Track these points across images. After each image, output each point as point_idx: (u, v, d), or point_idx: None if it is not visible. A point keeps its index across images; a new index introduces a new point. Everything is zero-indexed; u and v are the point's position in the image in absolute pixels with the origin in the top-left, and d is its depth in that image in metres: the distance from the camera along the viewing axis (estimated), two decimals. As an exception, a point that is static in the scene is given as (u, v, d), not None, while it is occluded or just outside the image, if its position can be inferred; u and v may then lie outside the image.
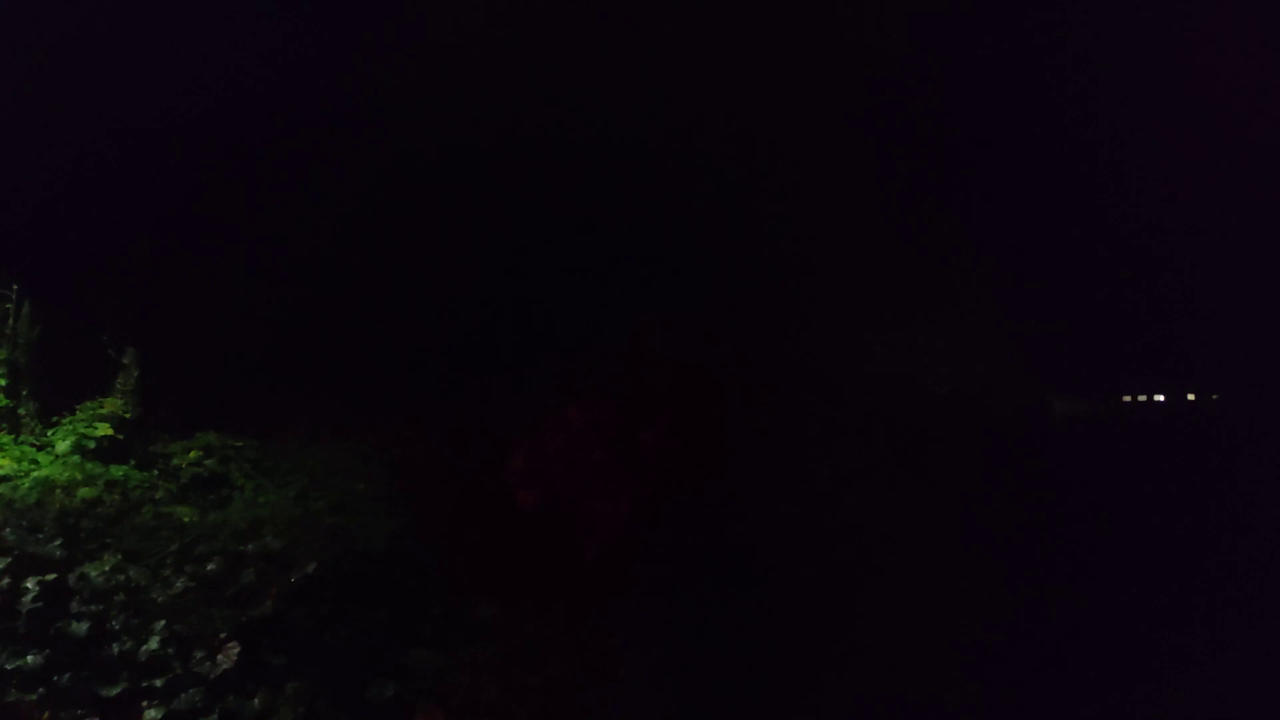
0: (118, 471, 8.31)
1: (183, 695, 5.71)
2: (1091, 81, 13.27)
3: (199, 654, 5.94)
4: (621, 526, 8.87)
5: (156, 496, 8.21)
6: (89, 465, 8.25)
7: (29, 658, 5.70)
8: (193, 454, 9.24)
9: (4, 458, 8.15)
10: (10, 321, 9.03)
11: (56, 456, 8.41)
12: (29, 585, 5.99)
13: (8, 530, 6.45)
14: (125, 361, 9.33)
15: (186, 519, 7.68)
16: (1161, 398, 13.82)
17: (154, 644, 5.89)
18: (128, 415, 9.00)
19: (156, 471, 8.81)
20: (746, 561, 8.56)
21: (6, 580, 5.97)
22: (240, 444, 9.80)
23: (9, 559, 6.13)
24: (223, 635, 6.08)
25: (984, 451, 10.23)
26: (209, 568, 6.56)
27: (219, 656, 5.93)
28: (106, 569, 6.27)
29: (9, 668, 5.64)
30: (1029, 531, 9.03)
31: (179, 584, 6.35)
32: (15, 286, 9.12)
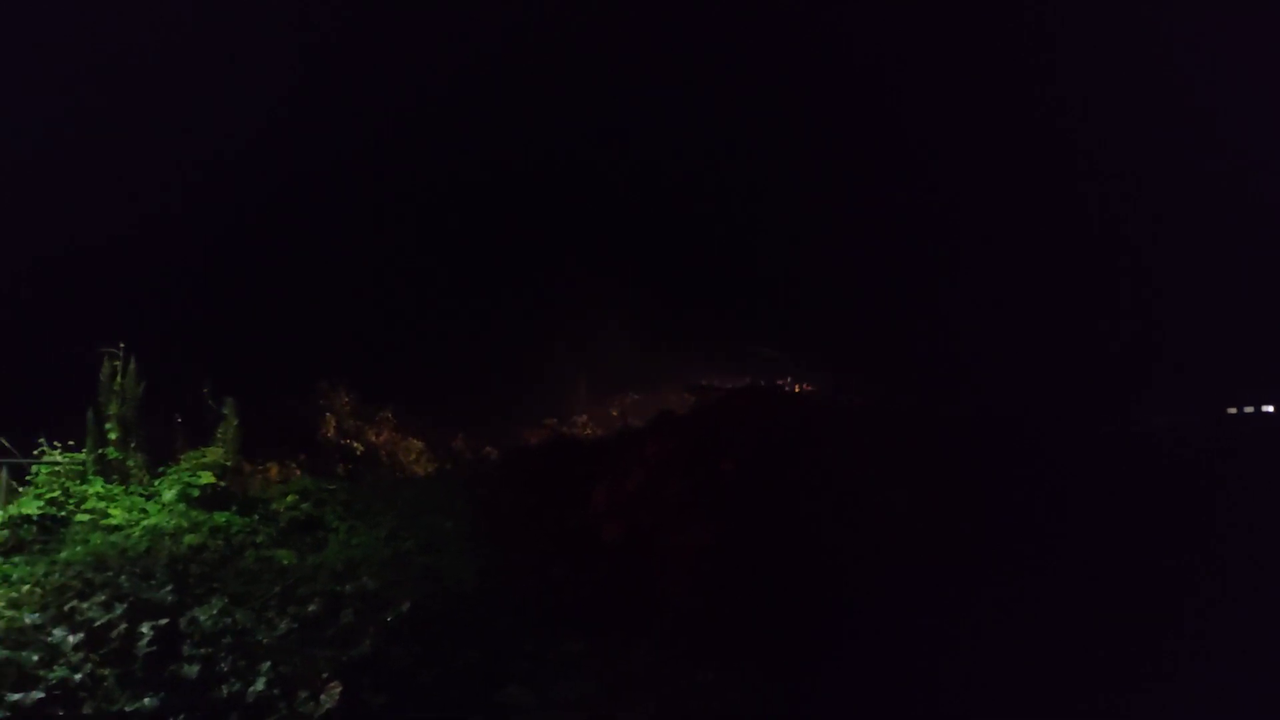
0: (220, 517, 8.63)
1: (289, 735, 5.86)
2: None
3: (303, 694, 6.09)
4: (705, 557, 8.79)
5: (257, 540, 8.47)
6: (194, 512, 8.60)
7: (146, 700, 5.90)
8: (289, 498, 9.54)
9: (116, 508, 8.57)
10: (118, 379, 9.51)
11: (163, 505, 8.79)
12: (144, 630, 6.23)
13: (123, 578, 6.75)
14: (225, 412, 9.72)
15: (286, 562, 7.91)
16: (1270, 409, 13.09)
17: (261, 685, 6.06)
18: (228, 463, 9.36)
19: (256, 516, 9.10)
20: (833, 589, 8.39)
21: (124, 625, 6.23)
22: (333, 487, 10.08)
23: (125, 605, 6.42)
24: (324, 675, 6.23)
25: (1073, 472, 9.83)
26: (310, 609, 6.74)
27: (322, 696, 6.07)
28: (214, 612, 6.50)
29: (128, 709, 5.86)
30: (1123, 553, 8.60)
31: (282, 625, 6.54)
32: (122, 345, 9.60)
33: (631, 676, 7.79)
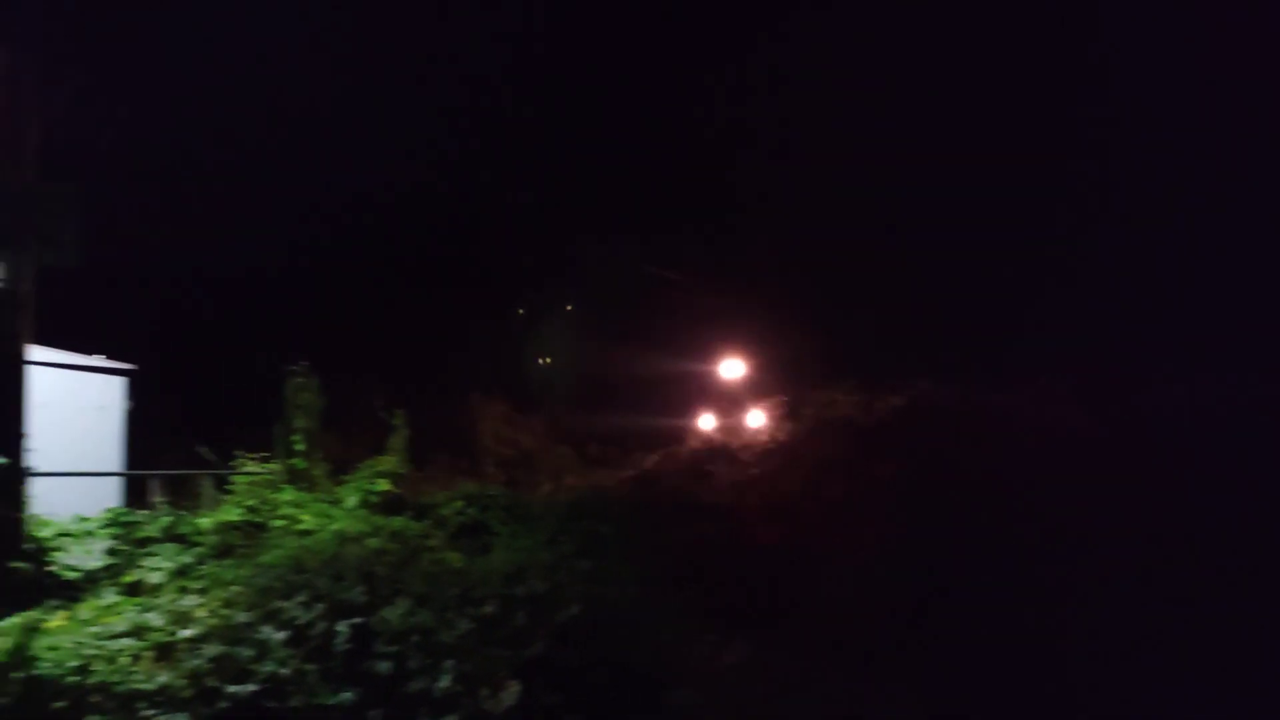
0: (397, 522, 9.18)
1: (475, 730, 6.16)
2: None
3: (484, 691, 6.40)
4: (867, 562, 8.66)
5: (430, 544, 8.94)
6: (374, 517, 9.18)
7: (345, 694, 6.36)
8: (456, 504, 10.03)
9: (306, 514, 9.26)
10: (303, 395, 10.28)
11: (346, 511, 9.43)
12: (341, 628, 6.70)
13: (319, 579, 7.28)
14: (396, 423, 10.33)
15: (457, 564, 8.32)
16: None
17: (446, 682, 6.40)
18: (401, 471, 9.94)
19: (428, 520, 9.62)
20: (997, 592, 8.08)
21: (323, 624, 6.72)
22: (495, 493, 10.52)
23: (323, 605, 6.92)
24: (503, 674, 6.53)
25: (1236, 458, 8.97)
26: (486, 610, 7.06)
27: (502, 694, 6.36)
28: (401, 612, 6.90)
29: (330, 703, 6.33)
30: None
31: (462, 626, 6.87)
32: (306, 364, 10.38)
33: (794, 683, 7.76)
